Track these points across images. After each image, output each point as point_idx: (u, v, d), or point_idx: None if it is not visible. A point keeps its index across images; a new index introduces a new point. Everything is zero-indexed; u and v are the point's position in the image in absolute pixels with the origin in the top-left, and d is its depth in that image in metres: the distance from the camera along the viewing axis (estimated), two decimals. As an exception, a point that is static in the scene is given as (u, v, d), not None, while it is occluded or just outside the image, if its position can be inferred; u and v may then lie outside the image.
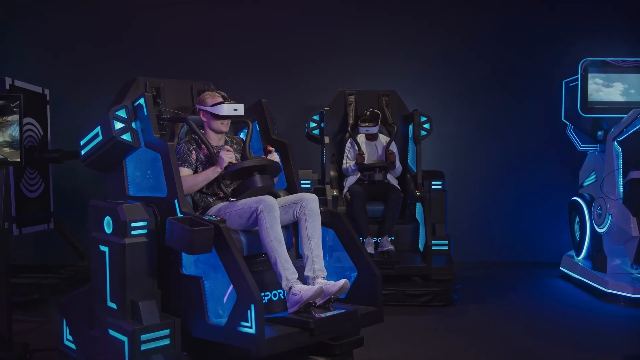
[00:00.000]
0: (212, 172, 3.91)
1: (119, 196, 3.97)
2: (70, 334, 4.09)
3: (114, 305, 3.65)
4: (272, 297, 3.73)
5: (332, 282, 3.57)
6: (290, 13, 7.78)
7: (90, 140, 3.98)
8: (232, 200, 3.93)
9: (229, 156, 3.88)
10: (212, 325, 3.49)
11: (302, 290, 3.49)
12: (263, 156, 4.05)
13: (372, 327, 4.20)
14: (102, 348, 3.72)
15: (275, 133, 4.36)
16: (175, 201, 3.67)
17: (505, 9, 7.85)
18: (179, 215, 3.64)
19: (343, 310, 3.57)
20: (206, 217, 3.54)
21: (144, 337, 3.49)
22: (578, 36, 7.66)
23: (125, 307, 3.59)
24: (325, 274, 3.70)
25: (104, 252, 3.70)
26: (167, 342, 3.58)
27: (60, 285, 6.20)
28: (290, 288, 3.54)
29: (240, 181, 3.95)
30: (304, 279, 3.68)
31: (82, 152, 4.07)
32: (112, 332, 3.60)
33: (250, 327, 3.25)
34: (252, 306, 3.23)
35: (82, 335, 3.96)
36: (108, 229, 3.71)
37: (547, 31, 7.78)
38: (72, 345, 4.06)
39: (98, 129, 3.89)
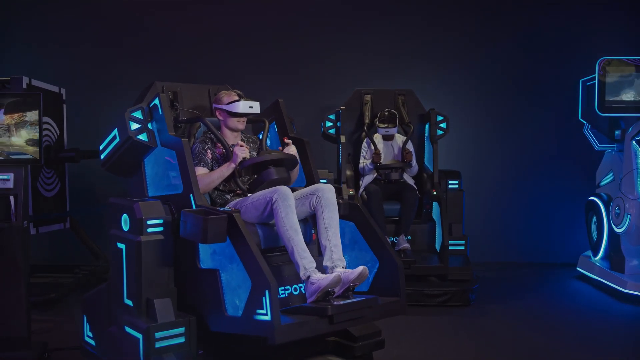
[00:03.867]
0: (227, 169, 3.89)
1: (139, 197, 4.00)
2: (90, 331, 4.11)
3: (130, 303, 3.67)
4: (293, 291, 3.70)
5: (351, 270, 3.52)
6: (306, 13, 7.76)
7: (109, 143, 4.03)
8: (249, 196, 3.92)
9: (242, 151, 3.85)
10: (229, 317, 3.47)
11: (320, 279, 3.43)
12: (277, 150, 4.03)
13: (389, 326, 4.17)
14: (119, 345, 3.72)
15: (293, 132, 4.34)
16: (191, 196, 3.67)
17: (522, 9, 7.81)
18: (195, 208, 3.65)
19: (363, 298, 3.52)
20: (220, 209, 3.54)
21: (158, 334, 3.49)
22: (595, 35, 7.61)
23: (141, 304, 3.60)
24: (345, 263, 3.65)
25: (121, 249, 3.72)
26: (182, 340, 3.58)
27: (76, 285, 6.21)
28: (309, 277, 3.49)
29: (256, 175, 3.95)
30: (323, 270, 3.63)
31: (102, 156, 4.12)
32: (128, 330, 3.62)
33: (266, 314, 3.21)
34: (267, 292, 3.19)
35: (101, 332, 3.98)
36: (125, 227, 3.73)
37: (563, 30, 7.73)
38: (92, 342, 4.09)
39: (115, 131, 3.94)
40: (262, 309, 3.23)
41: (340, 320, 3.39)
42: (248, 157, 3.89)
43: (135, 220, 3.63)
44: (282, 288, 3.63)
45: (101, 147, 4.11)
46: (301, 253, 3.54)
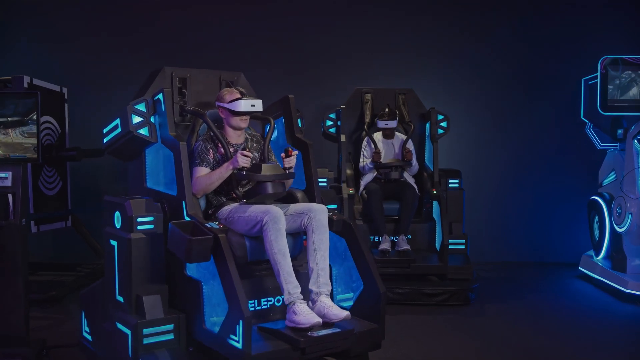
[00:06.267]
0: (226, 170, 3.87)
1: (138, 187, 4.05)
2: (87, 326, 4.16)
3: (121, 299, 3.73)
4: (276, 302, 3.76)
5: (336, 311, 3.54)
6: (306, 12, 7.76)
7: (111, 130, 4.05)
8: (244, 203, 3.92)
9: (244, 160, 3.82)
10: (207, 330, 3.53)
11: (301, 315, 3.47)
12: (277, 165, 3.96)
13: (387, 326, 4.14)
14: (112, 340, 3.78)
15: (300, 131, 4.27)
16: (183, 202, 3.70)
17: (523, 7, 7.79)
18: (185, 217, 3.67)
19: (339, 330, 3.51)
20: (208, 225, 3.54)
21: (146, 331, 3.55)
22: (597, 34, 7.59)
23: (131, 301, 3.65)
24: (330, 289, 3.68)
25: (114, 246, 3.78)
26: (170, 337, 3.62)
27: (77, 282, 6.24)
28: (293, 303, 3.53)
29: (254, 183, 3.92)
30: (307, 291, 3.67)
31: (104, 141, 4.15)
32: (119, 325, 3.67)
33: (238, 342, 3.26)
34: (241, 322, 3.23)
35: (97, 327, 4.04)
36: (118, 224, 3.78)
37: (565, 29, 7.71)
38: (89, 337, 4.14)
39: (118, 120, 3.95)
40: (235, 335, 3.27)
41: (312, 352, 3.41)
42: (248, 167, 3.85)
43: (126, 218, 3.67)
44: (265, 299, 3.71)
45: (104, 131, 4.13)
46: (287, 277, 3.57)
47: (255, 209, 3.72)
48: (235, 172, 3.84)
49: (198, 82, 4.35)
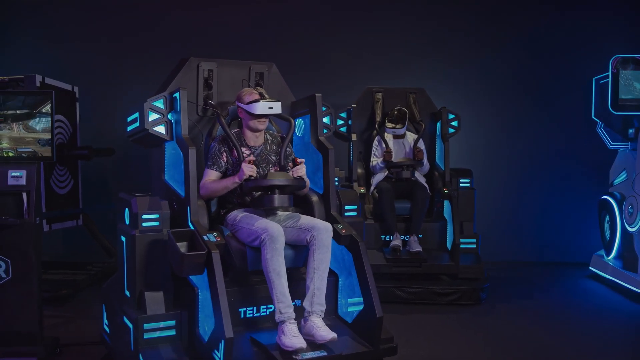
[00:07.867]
0: (232, 183, 3.88)
1: (157, 178, 4.10)
2: (106, 319, 4.20)
3: (128, 294, 3.78)
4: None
5: (324, 332, 3.55)
6: (317, 11, 7.75)
7: (132, 122, 4.08)
8: (250, 210, 3.93)
9: (249, 169, 3.80)
10: (199, 336, 3.57)
11: (288, 337, 3.49)
12: (285, 173, 3.92)
13: (398, 325, 4.14)
14: (121, 334, 3.82)
15: (322, 134, 4.20)
16: (188, 208, 3.71)
17: (532, 7, 7.77)
18: (189, 222, 3.70)
19: (325, 354, 3.51)
20: (206, 237, 3.54)
21: (147, 325, 3.58)
22: (608, 33, 7.56)
23: (135, 296, 3.69)
24: (323, 309, 3.68)
25: (123, 242, 3.83)
26: (172, 333, 3.65)
27: (89, 281, 6.26)
28: (283, 322, 3.55)
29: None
30: (301, 308, 3.70)
31: (127, 129, 4.19)
32: (125, 319, 3.73)
33: (220, 359, 3.30)
34: (222, 342, 3.26)
35: (112, 320, 4.08)
36: (127, 220, 3.82)
37: (576, 28, 7.68)
38: (108, 330, 4.19)
39: (137, 114, 3.97)
40: (219, 352, 3.30)
41: None
42: (254, 175, 3.84)
43: (132, 215, 3.70)
44: (265, 306, 3.76)
45: (128, 120, 4.15)
46: (279, 297, 3.59)
47: (258, 224, 3.70)
48: (243, 182, 3.82)
49: (226, 73, 4.29)
